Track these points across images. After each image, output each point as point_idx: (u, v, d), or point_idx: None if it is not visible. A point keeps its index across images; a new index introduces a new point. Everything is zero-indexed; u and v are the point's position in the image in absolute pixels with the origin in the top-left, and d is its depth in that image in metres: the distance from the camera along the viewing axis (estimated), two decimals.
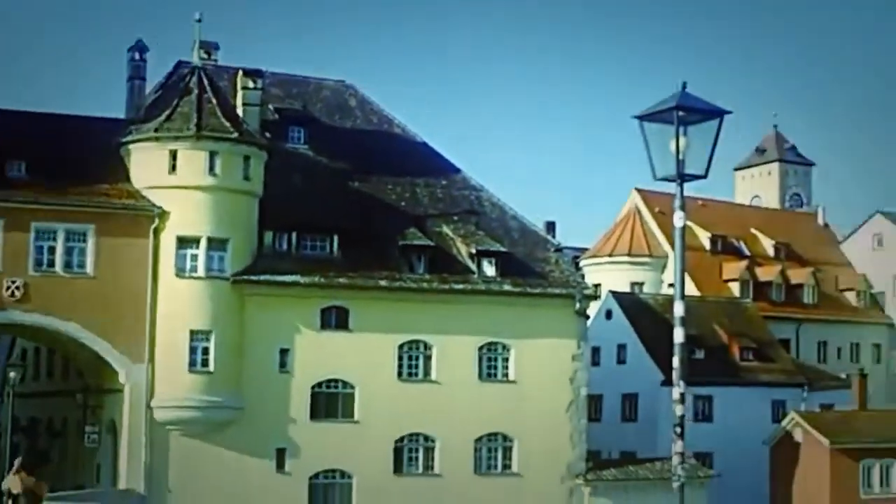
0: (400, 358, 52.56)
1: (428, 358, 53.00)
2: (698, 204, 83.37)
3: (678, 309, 12.23)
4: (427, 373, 52.99)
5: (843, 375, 71.32)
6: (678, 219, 12.15)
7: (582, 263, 76.47)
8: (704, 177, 12.00)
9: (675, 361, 12.29)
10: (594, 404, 63.03)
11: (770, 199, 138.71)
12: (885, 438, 61.28)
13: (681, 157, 11.80)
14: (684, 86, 11.87)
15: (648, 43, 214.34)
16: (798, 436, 60.91)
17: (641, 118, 11.96)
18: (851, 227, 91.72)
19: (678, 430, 12.35)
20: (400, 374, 52.52)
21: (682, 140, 11.77)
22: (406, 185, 57.24)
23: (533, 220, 60.93)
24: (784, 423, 62.36)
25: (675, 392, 12.30)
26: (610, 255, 78.56)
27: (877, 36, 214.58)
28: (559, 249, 58.81)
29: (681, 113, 11.71)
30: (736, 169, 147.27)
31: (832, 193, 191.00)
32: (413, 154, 58.97)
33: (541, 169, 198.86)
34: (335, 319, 51.72)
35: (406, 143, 59.72)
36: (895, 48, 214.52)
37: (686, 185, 12.16)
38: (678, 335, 12.21)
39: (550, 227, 76.92)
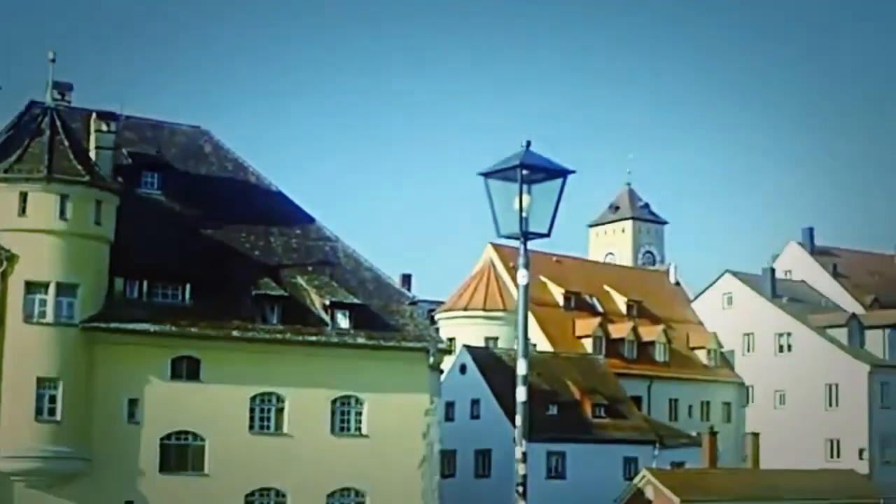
0: (252, 410, 51.77)
1: (280, 410, 52.31)
2: (553, 260, 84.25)
3: (521, 367, 12.13)
4: (279, 425, 52.28)
5: (694, 433, 72.13)
6: (522, 277, 12.06)
7: (437, 317, 76.55)
8: (547, 235, 11.94)
9: (518, 420, 12.19)
10: (447, 460, 62.79)
11: (623, 256, 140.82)
12: (734, 496, 62.04)
13: (524, 215, 11.74)
14: (528, 144, 11.83)
15: (506, 97, 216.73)
16: (649, 493, 61.29)
17: (486, 175, 11.89)
18: (702, 286, 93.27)
19: (520, 489, 12.22)
20: (252, 426, 51.72)
21: (525, 198, 11.71)
22: (260, 234, 56.69)
23: (388, 273, 60.81)
24: (636, 480, 62.76)
25: (518, 451, 12.18)
26: (465, 309, 78.72)
27: (725, 101, 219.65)
28: (414, 303, 58.69)
29: (525, 171, 11.66)
30: (590, 226, 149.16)
31: (684, 252, 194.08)
32: (268, 203, 58.45)
33: (397, 221, 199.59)
34: (186, 369, 50.77)
35: (261, 192, 59.21)
36: (743, 113, 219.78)
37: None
38: (521, 394, 12.11)
39: (406, 279, 77.15)
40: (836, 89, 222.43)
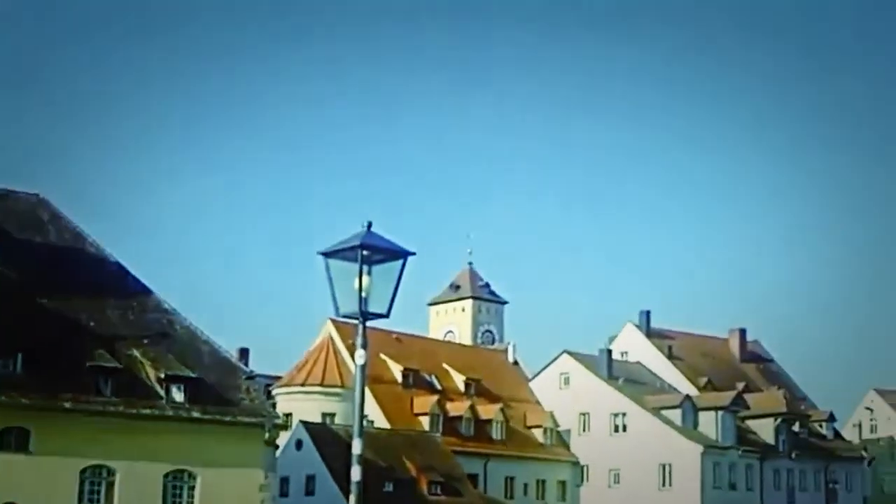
0: (81, 483, 50.60)
1: (111, 484, 51.19)
2: (392, 337, 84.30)
3: (356, 447, 12.17)
4: (109, 500, 51.12)
5: None
6: (360, 357, 12.13)
7: (274, 392, 75.90)
8: (386, 316, 12.03)
9: (352, 499, 12.20)
10: None
11: (463, 334, 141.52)
12: None
13: (364, 295, 11.82)
14: (369, 225, 11.94)
15: (349, 173, 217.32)
16: None
17: (326, 255, 11.95)
18: (541, 366, 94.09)
19: None
20: (80, 499, 50.52)
21: (365, 279, 11.79)
22: (96, 305, 55.70)
23: (226, 347, 60.25)
24: None
25: None
26: (302, 385, 78.25)
27: (565, 182, 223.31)
28: (251, 377, 58.19)
29: (365, 252, 11.75)
30: (430, 304, 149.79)
31: (524, 332, 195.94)
32: (105, 273, 57.55)
33: (236, 296, 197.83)
34: (15, 441, 49.54)
35: (98, 262, 58.27)
36: (578, 193, 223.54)
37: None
38: (355, 473, 12.14)
39: (244, 353, 76.45)
40: (662, 183, 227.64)
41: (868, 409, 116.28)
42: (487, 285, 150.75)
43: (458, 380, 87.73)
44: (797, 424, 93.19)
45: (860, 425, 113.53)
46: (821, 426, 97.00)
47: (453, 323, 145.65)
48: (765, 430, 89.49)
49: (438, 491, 69.44)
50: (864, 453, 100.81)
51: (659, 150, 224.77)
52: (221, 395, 54.90)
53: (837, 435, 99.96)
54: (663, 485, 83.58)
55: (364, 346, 12.08)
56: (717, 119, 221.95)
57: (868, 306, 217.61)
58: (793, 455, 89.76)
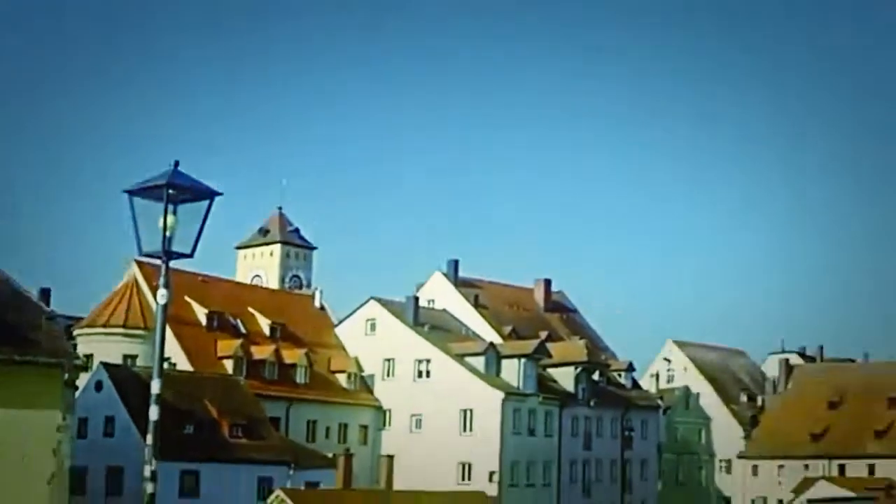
0: None
1: None
2: (198, 280, 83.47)
3: (155, 387, 12.11)
4: None
5: (330, 455, 72.78)
6: (161, 296, 12.05)
7: (75, 333, 74.53)
8: (191, 256, 11.96)
9: (149, 438, 12.14)
10: (78, 477, 61.17)
11: (271, 279, 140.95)
12: None
13: (168, 234, 11.72)
14: (176, 164, 11.83)
15: (157, 114, 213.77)
16: None
17: (131, 193, 11.81)
18: (347, 311, 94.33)
19: None
20: None
21: (170, 218, 11.70)
22: None
23: (27, 286, 58.82)
24: (269, 500, 62.83)
25: (147, 469, 12.14)
26: (104, 326, 77.04)
27: (377, 127, 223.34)
28: (51, 318, 56.92)
29: (171, 191, 11.64)
30: (238, 247, 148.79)
31: (334, 278, 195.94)
32: None
33: (39, 235, 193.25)
34: None
35: None
36: (389, 139, 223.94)
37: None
38: (153, 413, 12.09)
39: (45, 294, 74.68)
40: (472, 130, 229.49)
41: (666, 359, 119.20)
42: (297, 230, 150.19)
43: (264, 324, 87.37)
44: (597, 373, 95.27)
45: (657, 375, 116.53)
46: (620, 376, 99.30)
47: (261, 267, 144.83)
48: (566, 378, 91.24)
49: (240, 434, 69.24)
50: (659, 402, 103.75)
51: (460, 92, 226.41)
52: (19, 334, 53.61)
53: (636, 384, 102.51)
54: (465, 430, 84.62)
55: (167, 286, 12.01)
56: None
57: (665, 262, 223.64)
58: (591, 403, 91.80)
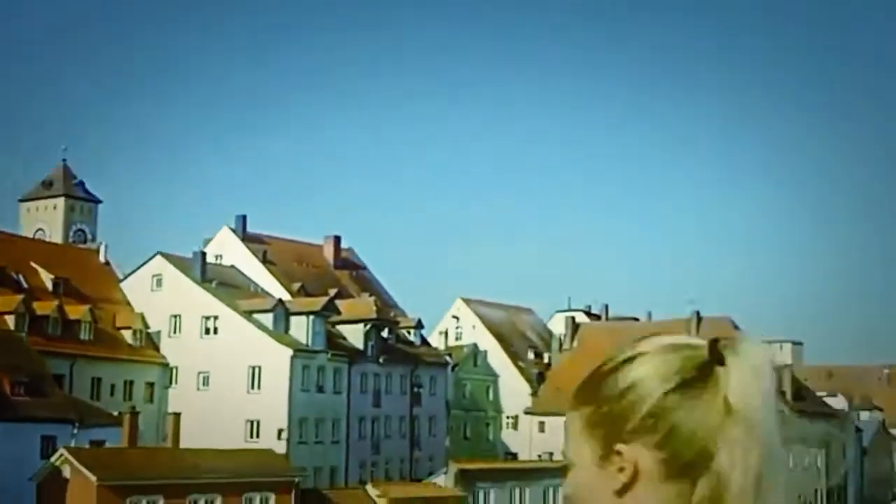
0: None
1: None
2: None
3: None
4: None
5: (116, 413, 71.63)
6: None
7: None
8: None
9: None
10: None
11: (55, 233, 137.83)
12: (152, 476, 62.09)
13: None
14: None
15: None
16: (66, 472, 60.36)
17: None
18: (133, 267, 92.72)
19: None
20: None
21: None
22: None
23: None
24: (53, 459, 61.58)
25: None
26: None
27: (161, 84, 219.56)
28: None
29: None
30: (21, 200, 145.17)
31: (118, 232, 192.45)
32: None
33: None
34: None
35: None
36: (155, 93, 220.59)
37: None
38: None
39: None
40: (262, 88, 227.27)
41: (455, 317, 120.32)
42: (82, 183, 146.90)
43: (47, 279, 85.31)
44: (386, 331, 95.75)
45: (447, 333, 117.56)
46: (409, 333, 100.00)
47: (44, 221, 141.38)
48: (355, 335, 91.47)
49: (22, 391, 67.59)
50: (448, 359, 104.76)
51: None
52: None
53: (424, 342, 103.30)
54: (253, 387, 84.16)
55: None
56: None
57: (457, 220, 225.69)
58: (380, 360, 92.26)
